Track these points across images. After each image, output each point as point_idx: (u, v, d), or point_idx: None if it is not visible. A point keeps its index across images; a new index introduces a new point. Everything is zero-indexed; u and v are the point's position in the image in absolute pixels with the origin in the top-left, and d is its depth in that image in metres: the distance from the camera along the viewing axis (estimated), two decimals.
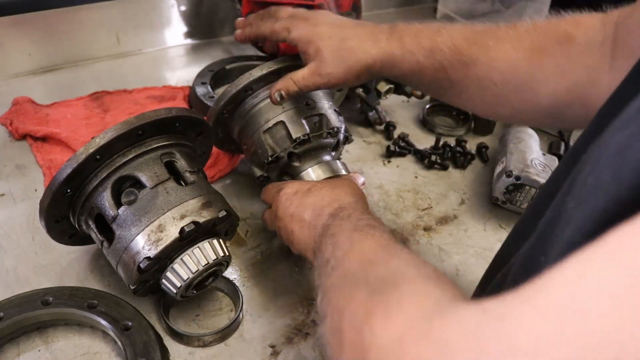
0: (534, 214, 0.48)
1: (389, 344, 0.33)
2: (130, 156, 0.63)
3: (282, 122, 0.75)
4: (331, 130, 0.77)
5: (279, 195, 0.68)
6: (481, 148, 1.03)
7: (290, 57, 0.75)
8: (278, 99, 0.72)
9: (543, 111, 0.64)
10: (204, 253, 0.63)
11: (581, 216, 0.32)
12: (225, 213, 0.65)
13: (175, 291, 0.63)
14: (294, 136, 0.75)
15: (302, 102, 0.77)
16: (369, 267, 0.44)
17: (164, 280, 0.64)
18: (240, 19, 0.81)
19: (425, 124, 1.09)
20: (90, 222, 0.64)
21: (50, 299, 0.64)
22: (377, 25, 0.69)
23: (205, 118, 0.72)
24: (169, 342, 0.65)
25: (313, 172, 0.76)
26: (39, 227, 0.67)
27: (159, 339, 0.63)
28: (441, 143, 1.00)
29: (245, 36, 0.77)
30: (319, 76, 0.68)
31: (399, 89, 1.05)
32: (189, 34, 1.29)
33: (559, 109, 0.62)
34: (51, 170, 0.88)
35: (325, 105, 0.79)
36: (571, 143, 1.03)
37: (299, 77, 0.69)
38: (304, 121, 0.75)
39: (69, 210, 0.65)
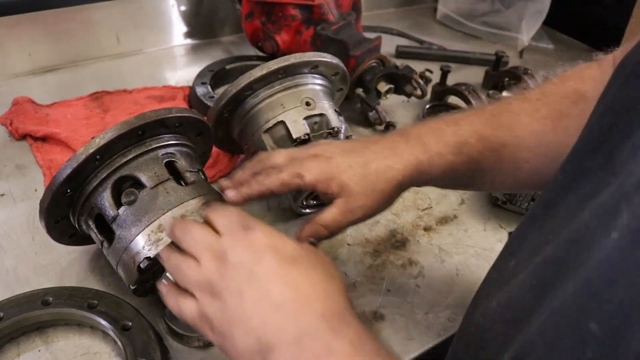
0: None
1: None
2: (130, 156, 0.63)
3: (282, 122, 0.75)
4: (331, 130, 0.77)
5: (243, 236, 0.49)
6: None
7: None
8: (317, 238, 0.60)
9: None
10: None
11: None
12: None
13: None
14: (294, 136, 0.75)
15: (302, 102, 0.77)
16: None
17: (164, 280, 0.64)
18: (225, 181, 0.63)
19: None
20: (90, 222, 0.64)
21: (50, 299, 0.64)
22: (385, 137, 0.63)
23: (205, 118, 0.72)
24: (169, 342, 0.65)
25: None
26: (39, 227, 0.67)
27: (159, 339, 0.63)
28: None
29: (244, 197, 0.61)
30: (350, 213, 0.59)
31: (399, 89, 1.05)
32: (189, 34, 1.29)
33: None
34: (51, 170, 0.88)
35: (326, 105, 0.79)
36: None
37: (329, 220, 0.59)
38: (304, 121, 0.75)
39: (69, 210, 0.65)
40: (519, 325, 0.39)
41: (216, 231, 0.50)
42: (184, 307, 0.49)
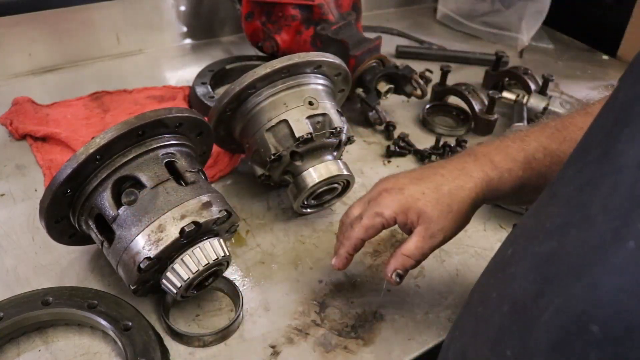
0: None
1: None
2: (131, 156, 0.63)
3: (285, 121, 0.75)
4: (334, 130, 0.77)
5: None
6: None
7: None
8: (398, 280, 0.63)
9: None
10: (204, 253, 0.63)
11: None
12: (225, 213, 0.65)
13: (175, 291, 0.63)
14: (297, 135, 0.75)
15: (305, 101, 0.77)
16: None
17: (164, 280, 0.64)
18: (335, 262, 0.67)
19: (425, 124, 1.09)
20: (90, 222, 0.64)
21: (50, 299, 0.64)
22: (453, 158, 0.65)
23: (205, 118, 0.72)
24: (169, 342, 0.65)
25: (315, 172, 0.76)
26: (39, 227, 0.67)
27: (159, 339, 0.63)
28: (441, 143, 1.00)
29: (343, 259, 0.66)
30: (431, 238, 0.61)
31: (399, 89, 1.05)
32: (189, 34, 1.29)
33: None
34: (51, 170, 0.88)
35: (328, 105, 0.79)
36: None
37: (412, 249, 0.61)
38: (307, 120, 0.75)
39: (69, 210, 0.65)
40: (520, 320, 0.39)
41: None
42: None
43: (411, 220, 0.62)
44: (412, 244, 0.61)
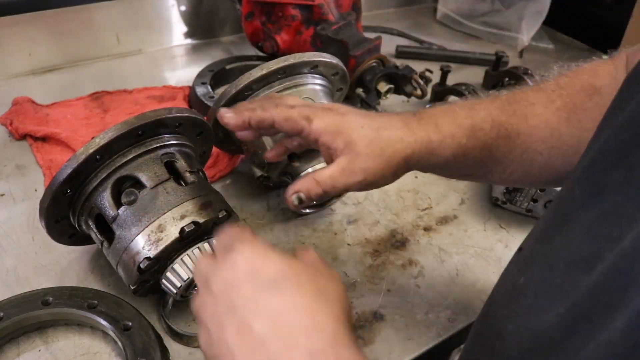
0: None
1: None
2: (130, 156, 0.63)
3: None
4: None
5: (223, 262, 0.44)
6: None
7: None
8: (296, 202, 0.57)
9: None
10: (204, 253, 0.63)
11: None
12: (225, 213, 0.65)
13: (175, 291, 0.63)
14: None
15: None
16: None
17: (164, 281, 0.64)
18: (224, 110, 0.62)
19: None
20: (90, 222, 0.64)
21: (50, 299, 0.64)
22: (402, 113, 0.61)
23: (205, 118, 0.72)
24: (169, 342, 0.65)
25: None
26: (39, 227, 0.67)
27: (159, 339, 0.63)
28: None
29: (243, 120, 0.59)
30: (351, 173, 0.55)
31: (399, 89, 1.05)
32: (189, 34, 1.29)
33: None
34: (51, 170, 0.88)
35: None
36: None
37: (326, 176, 0.55)
38: None
39: (69, 210, 0.65)
40: (547, 355, 0.37)
41: None
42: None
43: (336, 145, 0.56)
44: (327, 171, 0.56)
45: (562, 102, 0.59)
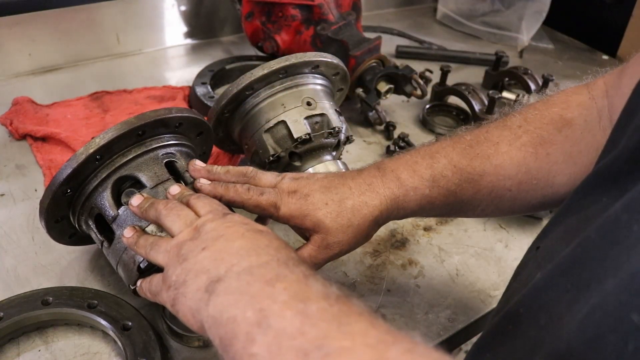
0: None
1: None
2: (130, 156, 0.63)
3: (283, 122, 0.75)
4: (332, 130, 0.77)
5: (218, 217, 0.53)
6: None
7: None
8: None
9: (562, 198, 0.58)
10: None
11: None
12: None
13: None
14: (295, 136, 0.75)
15: (303, 102, 0.77)
16: None
17: None
18: (200, 165, 0.65)
19: (425, 124, 1.09)
20: (90, 222, 0.64)
21: (50, 299, 0.64)
22: (361, 171, 0.63)
23: (205, 118, 0.72)
24: (169, 342, 0.65)
25: (314, 172, 0.76)
26: (39, 227, 0.67)
27: (159, 339, 0.63)
28: None
29: (214, 195, 0.61)
30: (326, 249, 0.60)
31: (399, 89, 1.05)
32: (189, 34, 1.29)
33: None
34: (51, 170, 0.88)
35: (327, 105, 0.79)
36: None
37: (305, 255, 0.60)
38: (305, 121, 0.75)
39: (69, 210, 0.65)
40: (552, 329, 0.39)
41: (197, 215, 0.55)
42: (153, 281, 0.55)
43: (305, 227, 0.60)
44: (305, 251, 0.60)
45: (528, 138, 0.61)
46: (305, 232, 0.62)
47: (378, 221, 0.61)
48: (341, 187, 0.61)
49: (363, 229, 0.60)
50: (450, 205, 0.62)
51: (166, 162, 0.65)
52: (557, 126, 0.60)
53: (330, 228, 0.59)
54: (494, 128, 0.63)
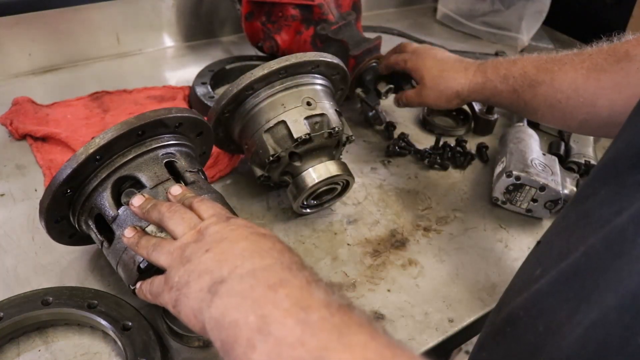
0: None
1: None
2: (130, 156, 0.63)
3: (283, 122, 0.75)
4: (332, 130, 0.77)
5: (222, 221, 0.53)
6: (481, 148, 1.03)
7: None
8: (400, 104, 0.99)
9: (604, 121, 0.71)
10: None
11: None
12: None
13: None
14: (295, 136, 0.75)
15: (303, 102, 0.77)
16: None
17: None
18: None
19: (425, 124, 1.09)
20: (90, 222, 0.64)
21: (50, 299, 0.64)
22: (471, 61, 0.88)
23: (205, 118, 0.72)
24: (169, 342, 0.65)
25: (314, 172, 0.76)
26: (39, 227, 0.67)
27: (159, 339, 0.63)
28: (441, 143, 1.00)
29: (387, 63, 0.97)
30: (419, 97, 0.92)
31: (398, 89, 1.05)
32: (189, 34, 1.29)
33: (618, 119, 0.65)
34: (51, 170, 0.88)
35: (327, 105, 0.79)
36: (571, 144, 1.03)
37: (408, 94, 0.94)
38: (305, 121, 0.75)
39: (69, 210, 0.65)
40: (551, 337, 0.39)
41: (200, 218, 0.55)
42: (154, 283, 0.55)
43: (417, 79, 0.94)
44: (410, 92, 0.95)
45: (590, 63, 0.72)
46: (416, 82, 0.93)
47: (460, 95, 0.88)
48: (448, 63, 0.89)
49: (445, 95, 0.88)
50: (514, 101, 0.81)
51: (166, 162, 0.65)
52: (617, 58, 0.69)
53: (427, 85, 0.90)
54: (576, 53, 0.76)
